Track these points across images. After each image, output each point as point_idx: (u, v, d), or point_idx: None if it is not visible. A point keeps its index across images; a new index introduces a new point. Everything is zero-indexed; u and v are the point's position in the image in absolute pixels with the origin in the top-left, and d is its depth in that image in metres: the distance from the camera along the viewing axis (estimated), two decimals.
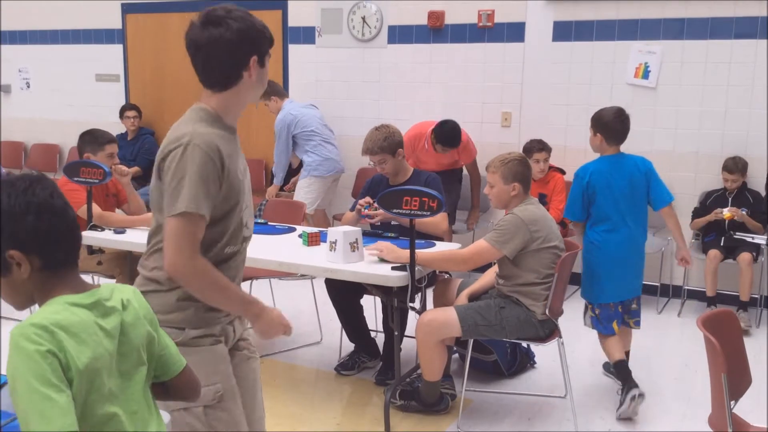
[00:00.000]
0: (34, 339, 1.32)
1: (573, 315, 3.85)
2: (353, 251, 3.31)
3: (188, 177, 1.83)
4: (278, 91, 5.87)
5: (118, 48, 7.34)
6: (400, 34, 6.00)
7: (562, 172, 5.35)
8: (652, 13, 5.20)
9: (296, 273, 3.83)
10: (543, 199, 5.17)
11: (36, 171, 1.44)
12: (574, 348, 4.19)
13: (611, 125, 3.65)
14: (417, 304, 3.40)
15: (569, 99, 5.51)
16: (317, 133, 5.79)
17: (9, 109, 8.01)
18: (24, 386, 1.30)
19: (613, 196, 3.56)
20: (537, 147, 5.21)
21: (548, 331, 3.24)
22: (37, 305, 1.47)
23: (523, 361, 3.91)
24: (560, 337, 3.28)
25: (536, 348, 3.95)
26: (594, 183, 3.58)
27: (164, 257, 1.86)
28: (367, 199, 3.73)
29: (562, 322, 3.38)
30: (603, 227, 3.59)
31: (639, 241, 3.67)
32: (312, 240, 3.67)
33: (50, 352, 1.32)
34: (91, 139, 4.13)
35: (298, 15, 6.37)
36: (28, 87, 7.90)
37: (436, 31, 5.85)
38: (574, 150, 5.48)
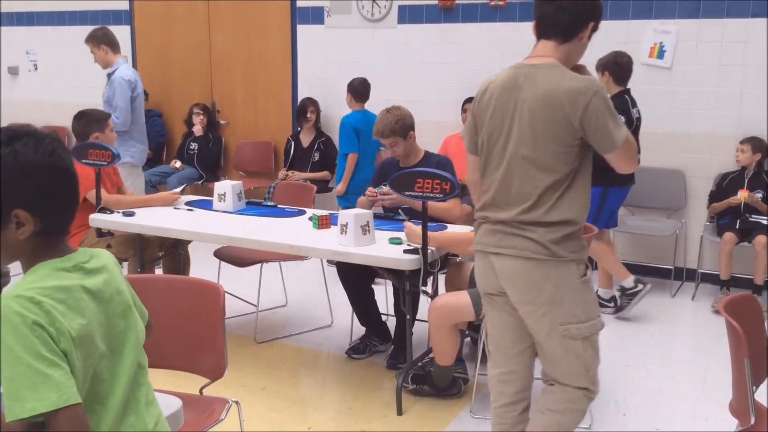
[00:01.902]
0: (19, 311, 1.27)
1: None
2: (364, 234, 3.26)
3: (615, 114, 2.16)
4: (113, 41, 5.25)
5: (125, 29, 7.27)
6: (411, 14, 5.92)
7: None
8: None
9: (306, 256, 3.79)
10: None
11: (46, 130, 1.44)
12: None
13: (358, 88, 5.47)
14: (429, 288, 3.36)
15: None
16: (142, 115, 5.27)
17: (17, 90, 7.98)
18: (13, 360, 1.25)
19: (368, 137, 4.98)
20: None
21: None
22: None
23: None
24: None
25: None
26: (359, 127, 5.34)
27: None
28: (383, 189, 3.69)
29: None
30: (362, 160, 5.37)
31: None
32: (322, 223, 3.63)
33: (37, 323, 1.27)
34: (94, 119, 4.08)
35: None
36: (36, 69, 7.86)
37: (446, 10, 5.76)
38: None
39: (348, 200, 5.24)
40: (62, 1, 7.47)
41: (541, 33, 2.28)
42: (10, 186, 1.34)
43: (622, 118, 4.13)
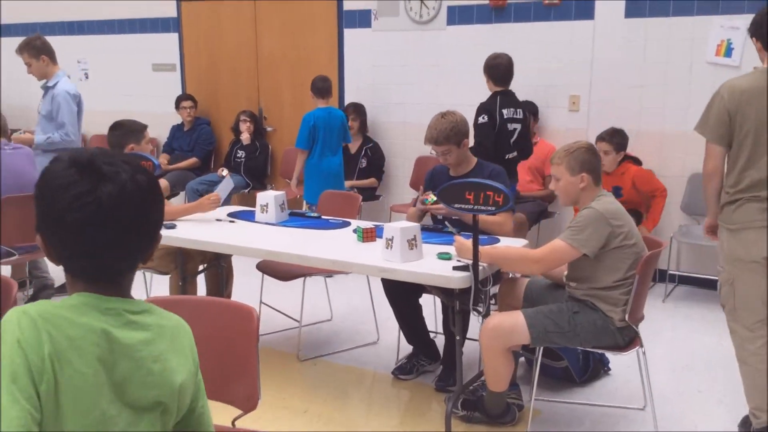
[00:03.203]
0: (14, 327, 1.15)
1: (649, 316, 3.49)
2: (411, 249, 3.06)
3: None
4: (52, 51, 4.90)
5: (173, 37, 7.25)
6: (460, 15, 5.69)
7: (637, 162, 4.97)
8: None
9: (349, 271, 3.61)
10: (618, 192, 4.83)
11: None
12: (653, 353, 3.84)
13: (317, 84, 5.48)
14: (480, 307, 3.13)
15: (643, 80, 5.11)
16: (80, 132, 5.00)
17: None
18: None
19: (331, 133, 5.45)
20: (600, 136, 4.92)
21: (628, 339, 2.92)
22: None
23: (596, 368, 3.59)
24: (641, 346, 2.96)
25: (611, 354, 3.63)
26: (317, 124, 5.39)
27: None
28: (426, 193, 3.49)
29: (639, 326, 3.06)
30: (321, 153, 5.44)
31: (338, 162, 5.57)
32: (367, 236, 3.44)
33: (20, 344, 1.13)
34: (130, 129, 3.90)
35: None
36: (87, 78, 7.90)
37: (498, 10, 5.52)
38: (648, 134, 5.10)
39: (311, 194, 5.38)
40: (111, 9, 7.47)
41: None
42: (35, 203, 1.26)
43: (485, 117, 4.51)
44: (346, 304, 4.71)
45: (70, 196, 1.20)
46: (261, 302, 4.25)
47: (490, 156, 4.27)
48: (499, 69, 4.59)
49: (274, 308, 4.34)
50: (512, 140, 4.54)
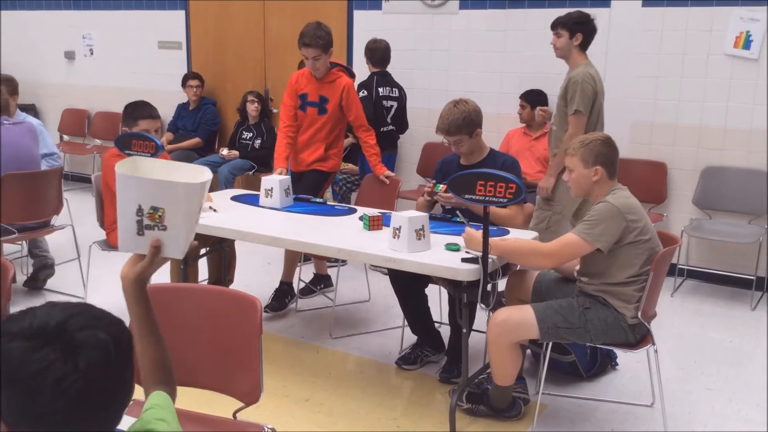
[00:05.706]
0: None
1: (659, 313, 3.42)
2: (419, 239, 2.99)
3: None
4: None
5: (180, 14, 7.14)
6: None
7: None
8: None
9: (355, 260, 3.54)
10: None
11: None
12: (660, 348, 3.78)
13: None
14: (488, 300, 3.07)
15: (659, 71, 5.00)
16: None
17: (73, 76, 7.95)
18: None
19: None
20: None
21: (639, 336, 2.85)
22: None
23: (603, 363, 3.53)
24: (653, 344, 2.89)
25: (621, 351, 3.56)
26: None
27: None
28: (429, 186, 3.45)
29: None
30: None
31: None
32: (374, 224, 3.37)
33: None
34: (128, 112, 3.85)
35: None
36: (92, 54, 7.80)
37: None
38: (663, 126, 5.00)
39: None
40: None
41: None
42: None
43: (365, 92, 5.08)
44: (350, 290, 4.64)
45: (50, 383, 0.99)
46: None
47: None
48: (377, 52, 5.20)
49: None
50: (390, 116, 5.17)
